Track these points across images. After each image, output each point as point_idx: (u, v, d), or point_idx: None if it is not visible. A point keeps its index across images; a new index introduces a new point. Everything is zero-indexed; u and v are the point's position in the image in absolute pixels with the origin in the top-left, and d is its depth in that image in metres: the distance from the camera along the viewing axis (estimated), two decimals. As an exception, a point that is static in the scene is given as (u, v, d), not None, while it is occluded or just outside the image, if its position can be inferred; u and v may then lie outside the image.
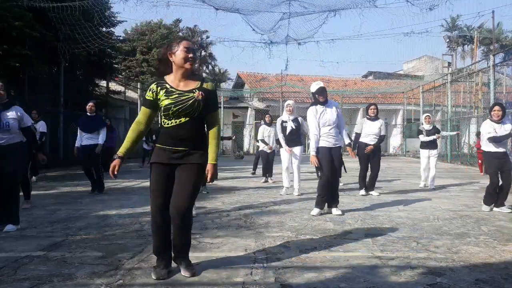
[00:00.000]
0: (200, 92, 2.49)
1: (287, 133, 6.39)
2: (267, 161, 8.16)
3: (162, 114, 2.54)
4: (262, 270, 2.68)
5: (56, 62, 12.42)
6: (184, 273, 2.57)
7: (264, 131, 8.15)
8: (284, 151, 6.55)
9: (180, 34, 28.50)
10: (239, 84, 27.57)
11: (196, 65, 2.64)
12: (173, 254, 2.61)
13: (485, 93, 16.62)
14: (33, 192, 6.54)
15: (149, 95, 2.54)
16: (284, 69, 18.69)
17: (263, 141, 8.09)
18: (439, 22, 33.84)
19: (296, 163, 6.34)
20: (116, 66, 18.76)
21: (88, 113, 6.46)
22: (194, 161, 2.52)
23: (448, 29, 33.19)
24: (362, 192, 6.33)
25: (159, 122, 2.64)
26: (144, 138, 12.53)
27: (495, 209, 4.95)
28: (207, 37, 30.29)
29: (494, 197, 4.94)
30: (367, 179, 6.38)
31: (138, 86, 22.17)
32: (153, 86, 2.54)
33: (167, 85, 2.52)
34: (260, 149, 8.41)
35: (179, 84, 2.53)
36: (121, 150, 2.57)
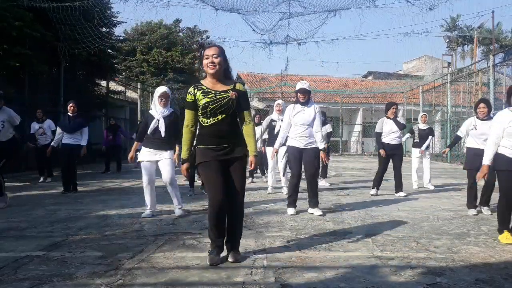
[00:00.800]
0: (234, 92, 2.78)
1: (275, 133, 6.41)
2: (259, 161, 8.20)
3: (200, 113, 2.80)
4: (262, 270, 2.68)
5: (56, 62, 12.40)
6: (230, 258, 2.86)
7: None
8: (269, 150, 6.54)
9: (180, 34, 28.50)
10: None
11: (221, 67, 2.79)
12: (225, 240, 2.90)
13: (485, 93, 16.62)
14: (33, 192, 6.57)
15: (189, 98, 2.82)
16: (284, 69, 18.73)
17: None
18: (439, 22, 33.87)
19: (283, 163, 6.34)
20: (116, 66, 18.76)
21: (70, 114, 6.40)
22: (237, 154, 2.83)
23: (448, 29, 33.21)
24: (373, 191, 6.22)
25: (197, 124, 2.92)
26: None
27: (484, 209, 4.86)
28: (207, 37, 30.25)
29: (475, 200, 4.82)
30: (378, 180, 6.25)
31: (138, 86, 22.17)
32: (191, 89, 2.83)
33: (203, 87, 2.81)
34: None
35: (214, 86, 2.82)
36: (184, 154, 2.86)
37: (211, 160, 2.78)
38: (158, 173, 4.62)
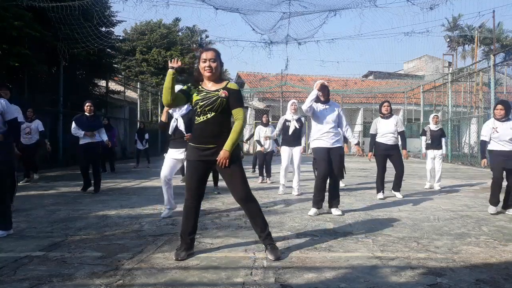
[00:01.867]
0: (224, 90, 2.87)
1: (290, 133, 6.36)
2: (263, 162, 8.15)
3: (194, 111, 2.93)
4: (262, 270, 2.67)
5: (55, 62, 12.41)
6: (269, 256, 2.90)
7: (260, 131, 8.11)
8: (284, 149, 6.51)
9: (180, 33, 28.50)
10: (239, 84, 27.56)
11: (217, 71, 2.92)
12: (259, 238, 3.05)
13: (486, 93, 16.63)
14: (33, 192, 6.56)
15: (185, 87, 2.98)
16: (284, 69, 18.71)
17: (258, 142, 8.12)
18: (440, 21, 33.85)
19: (297, 163, 6.32)
20: (115, 66, 18.75)
21: (87, 113, 6.39)
22: None
23: (449, 28, 33.18)
24: (380, 195, 5.96)
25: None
26: (136, 137, 12.57)
27: (507, 212, 4.84)
28: (207, 36, 30.26)
29: (498, 196, 4.78)
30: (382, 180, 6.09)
31: (138, 86, 22.17)
32: (189, 84, 3.00)
33: (199, 87, 2.97)
34: (257, 149, 8.38)
35: (208, 86, 2.95)
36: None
37: (195, 160, 2.90)
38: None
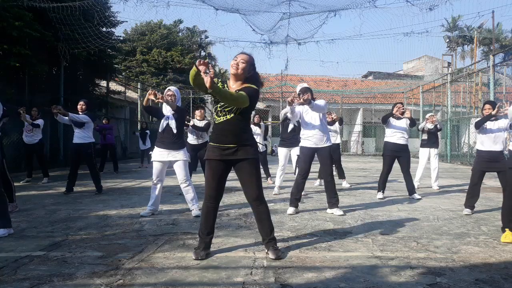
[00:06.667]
0: (241, 92, 2.81)
1: (289, 130, 6.39)
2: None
3: (214, 110, 2.97)
4: (262, 270, 2.68)
5: (56, 62, 12.40)
6: (269, 255, 2.94)
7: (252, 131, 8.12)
8: (281, 150, 6.51)
9: (180, 34, 28.49)
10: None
11: (243, 72, 2.88)
12: (262, 241, 3.07)
13: (485, 93, 16.64)
14: (33, 192, 6.57)
15: (215, 79, 2.77)
16: (284, 69, 18.72)
17: None
18: (439, 22, 33.91)
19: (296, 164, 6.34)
20: (116, 66, 18.76)
21: (79, 112, 6.45)
22: (245, 156, 2.90)
23: (448, 29, 33.20)
24: (380, 195, 5.98)
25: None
26: (138, 133, 12.64)
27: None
28: (206, 37, 30.22)
29: (473, 199, 4.79)
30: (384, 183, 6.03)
31: (138, 86, 22.17)
32: (219, 80, 2.94)
33: (226, 84, 2.97)
34: None
35: (232, 86, 2.96)
36: None
37: (215, 159, 2.91)
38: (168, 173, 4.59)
